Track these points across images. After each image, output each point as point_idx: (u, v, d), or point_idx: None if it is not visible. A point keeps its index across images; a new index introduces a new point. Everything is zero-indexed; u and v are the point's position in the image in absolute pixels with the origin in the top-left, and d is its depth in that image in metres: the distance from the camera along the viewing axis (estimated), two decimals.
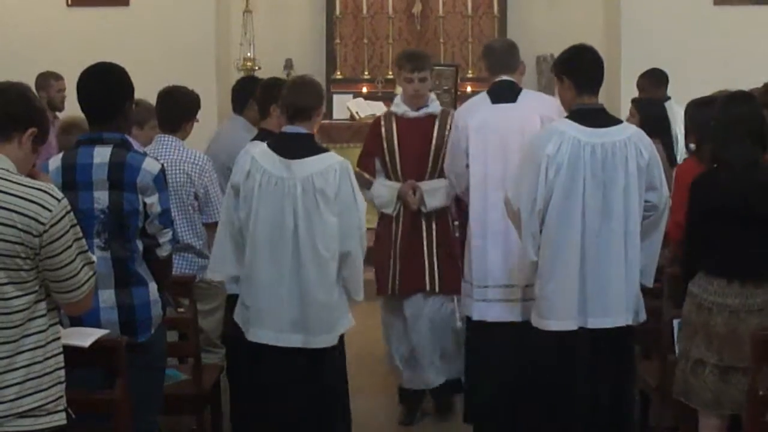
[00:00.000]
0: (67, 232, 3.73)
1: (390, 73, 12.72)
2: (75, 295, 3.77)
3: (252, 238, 5.62)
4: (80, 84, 5.06)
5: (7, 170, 3.74)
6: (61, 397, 3.81)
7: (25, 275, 3.68)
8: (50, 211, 3.68)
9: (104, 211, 4.90)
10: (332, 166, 5.66)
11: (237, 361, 6.08)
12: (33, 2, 12.33)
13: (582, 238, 5.61)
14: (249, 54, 12.47)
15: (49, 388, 3.76)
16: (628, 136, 5.69)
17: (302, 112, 5.72)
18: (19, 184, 3.72)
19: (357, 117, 12.26)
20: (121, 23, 12.21)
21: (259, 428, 5.80)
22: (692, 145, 6.63)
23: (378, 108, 12.28)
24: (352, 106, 12.40)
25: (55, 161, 5.09)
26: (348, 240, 5.66)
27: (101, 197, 4.92)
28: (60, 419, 3.81)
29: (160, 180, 5.02)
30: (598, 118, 5.72)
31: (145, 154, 5.13)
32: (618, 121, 5.86)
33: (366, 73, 12.91)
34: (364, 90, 12.75)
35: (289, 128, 5.75)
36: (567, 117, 5.75)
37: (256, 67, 12.21)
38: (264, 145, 5.80)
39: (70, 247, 3.74)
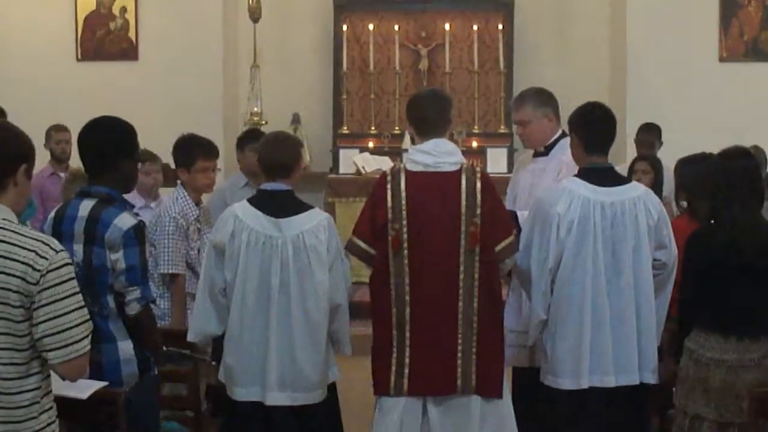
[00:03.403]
0: (64, 282, 3.72)
1: (397, 128, 12.79)
2: (69, 352, 3.71)
3: (239, 298, 5.60)
4: (78, 137, 5.14)
5: (8, 220, 3.76)
6: None
7: (23, 328, 3.69)
8: (46, 259, 3.68)
9: (79, 264, 4.89)
10: (321, 222, 5.66)
11: (227, 422, 6.03)
12: (43, 56, 12.45)
13: (593, 296, 5.61)
14: (256, 108, 12.54)
15: None
16: (637, 195, 5.73)
17: (281, 169, 5.71)
18: (19, 234, 3.73)
19: (363, 172, 12.29)
20: (130, 77, 12.33)
21: None
22: (683, 203, 6.66)
23: (384, 163, 12.33)
24: (358, 161, 12.44)
25: (52, 212, 5.19)
26: (337, 293, 5.65)
27: (78, 250, 4.94)
28: None
29: (130, 236, 4.96)
30: (607, 177, 5.74)
31: (124, 209, 5.09)
32: (627, 180, 5.91)
33: (373, 128, 12.95)
34: (371, 145, 12.77)
35: (269, 185, 5.74)
36: (576, 176, 5.77)
37: (263, 122, 12.27)
38: (244, 202, 5.78)
39: (66, 298, 3.71)
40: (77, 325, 3.74)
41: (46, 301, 3.68)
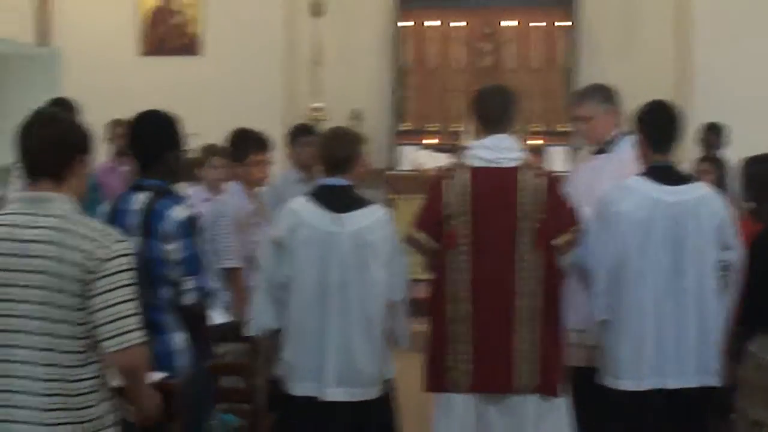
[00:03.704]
0: (122, 272, 3.74)
1: (457, 125, 12.73)
2: (123, 341, 3.71)
3: (297, 293, 5.60)
4: (127, 131, 5.17)
5: (70, 210, 3.79)
6: None
7: (81, 316, 3.70)
8: (106, 248, 3.71)
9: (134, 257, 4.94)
10: (380, 218, 5.66)
11: (283, 416, 6.03)
12: (106, 51, 12.53)
13: (655, 297, 5.55)
14: (317, 104, 12.55)
15: (103, 429, 3.78)
16: (702, 195, 5.66)
17: (341, 163, 5.70)
18: (80, 223, 3.76)
19: (423, 168, 12.27)
20: (192, 72, 12.39)
21: None
22: (749, 203, 6.55)
23: (444, 159, 12.28)
24: (418, 158, 12.42)
25: (105, 206, 5.23)
26: (395, 289, 5.64)
27: (133, 243, 4.97)
28: None
29: (185, 226, 5.02)
30: (672, 175, 5.67)
31: (179, 201, 5.15)
32: (691, 179, 5.83)
33: (433, 124, 12.93)
34: (431, 141, 12.76)
35: (329, 180, 5.73)
36: (640, 174, 5.70)
37: (324, 118, 12.28)
38: (303, 197, 5.77)
39: (123, 287, 3.73)
40: (133, 315, 3.75)
41: (103, 289, 3.69)
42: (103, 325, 3.69)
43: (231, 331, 6.04)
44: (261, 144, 7.05)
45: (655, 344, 5.57)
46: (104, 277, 3.69)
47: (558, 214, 5.67)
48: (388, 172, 12.42)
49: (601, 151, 6.43)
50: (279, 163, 8.35)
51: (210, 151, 7.86)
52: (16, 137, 3.88)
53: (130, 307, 3.74)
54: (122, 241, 3.80)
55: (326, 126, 9.82)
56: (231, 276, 6.67)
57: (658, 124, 5.71)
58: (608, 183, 6.02)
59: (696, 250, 5.58)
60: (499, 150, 5.71)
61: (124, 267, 3.75)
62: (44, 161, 3.81)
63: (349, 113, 12.68)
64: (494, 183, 5.68)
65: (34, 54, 13.43)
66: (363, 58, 13.19)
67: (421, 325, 5.88)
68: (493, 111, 5.80)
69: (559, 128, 12.76)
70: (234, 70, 12.34)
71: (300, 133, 8.20)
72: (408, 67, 12.90)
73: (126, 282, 3.74)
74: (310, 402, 5.60)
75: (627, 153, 6.00)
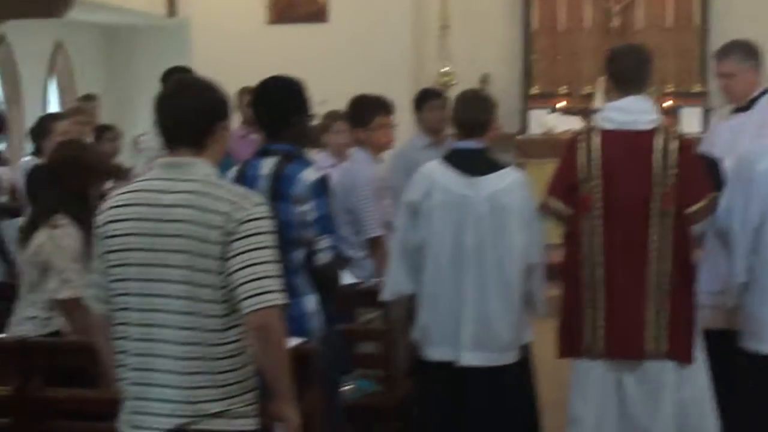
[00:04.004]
0: (260, 234, 3.70)
1: (587, 87, 12.61)
2: (261, 301, 3.65)
3: (433, 258, 5.58)
4: (251, 98, 5.17)
5: (210, 174, 3.79)
6: (254, 403, 3.82)
7: (223, 280, 3.69)
8: (245, 210, 3.69)
9: None
10: (516, 181, 5.62)
11: (420, 381, 6.01)
12: (233, 20, 12.62)
13: None
14: (446, 69, 12.49)
15: (243, 394, 3.77)
16: None
17: (475, 127, 5.66)
18: (221, 187, 3.76)
19: (553, 132, 12.17)
20: (319, 39, 12.41)
21: None
22: None
23: (575, 123, 12.17)
24: (548, 121, 12.31)
25: (232, 171, 5.21)
26: (532, 253, 5.60)
27: None
28: (252, 424, 3.81)
29: (317, 187, 5.03)
30: None
31: (308, 165, 5.16)
32: None
33: (563, 87, 12.80)
34: (561, 105, 12.65)
35: (463, 144, 5.70)
36: None
37: (453, 82, 12.22)
38: (438, 161, 5.75)
39: (262, 249, 3.68)
40: (271, 277, 3.70)
41: (241, 250, 3.66)
42: (241, 285, 3.66)
43: (369, 297, 6.03)
44: (384, 107, 7.05)
45: None
46: (242, 238, 3.66)
47: (691, 180, 5.51)
48: (517, 137, 12.34)
49: (741, 109, 6.27)
50: (408, 129, 8.32)
51: (333, 116, 7.86)
52: (155, 106, 3.88)
53: (269, 269, 3.69)
54: (261, 204, 3.77)
55: (455, 91, 9.74)
56: (374, 244, 6.67)
57: None
58: (750, 141, 5.87)
59: None
60: (633, 112, 5.56)
61: (263, 229, 3.72)
62: (185, 130, 3.80)
63: (478, 78, 12.59)
64: (628, 146, 5.53)
65: (164, 25, 13.61)
66: (491, 22, 13.08)
67: (555, 291, 5.81)
68: (628, 71, 5.66)
69: (695, 89, 12.52)
70: (361, 36, 12.33)
71: (428, 97, 8.15)
72: (537, 29, 12.76)
73: (265, 244, 3.71)
74: (446, 367, 5.58)
75: None
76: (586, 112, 12.19)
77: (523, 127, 12.65)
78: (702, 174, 5.59)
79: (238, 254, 3.66)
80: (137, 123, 13.72)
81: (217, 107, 3.88)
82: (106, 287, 3.83)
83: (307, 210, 4.99)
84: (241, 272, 3.66)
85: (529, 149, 12.01)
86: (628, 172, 5.51)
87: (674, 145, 5.50)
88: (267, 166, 5.09)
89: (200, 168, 3.78)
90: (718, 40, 12.11)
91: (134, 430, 3.77)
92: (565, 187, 5.60)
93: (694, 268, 5.60)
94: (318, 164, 6.79)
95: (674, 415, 5.54)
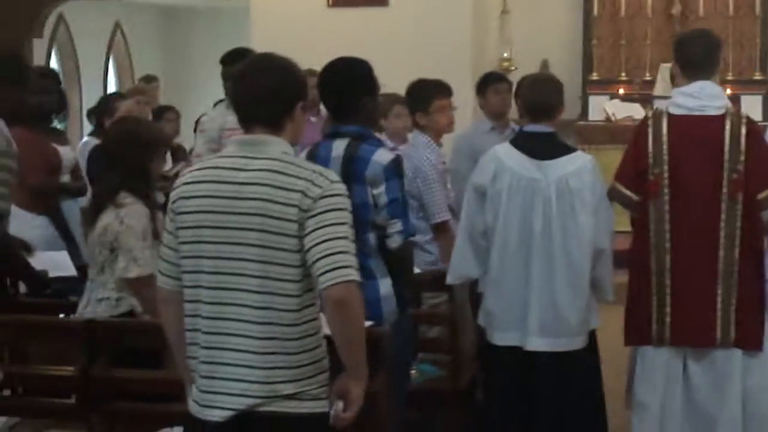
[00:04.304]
0: (336, 210, 3.66)
1: (648, 74, 12.54)
2: (338, 275, 3.60)
3: (500, 241, 5.55)
4: (319, 80, 5.15)
5: (286, 153, 3.77)
6: (325, 385, 3.79)
7: (298, 258, 3.66)
8: (320, 187, 3.66)
9: None
10: (585, 165, 5.58)
11: (486, 366, 5.99)
12: (293, 2, 12.61)
13: None
14: (506, 54, 12.44)
15: (316, 375, 3.75)
16: None
17: (545, 110, 5.64)
18: (297, 166, 3.73)
19: (613, 119, 12.10)
20: (380, 23, 12.35)
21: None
22: None
23: (635, 110, 12.10)
24: (608, 108, 12.25)
25: (302, 153, 5.17)
26: (601, 238, 5.55)
27: None
28: (323, 406, 3.78)
29: (390, 169, 5.00)
30: None
31: (380, 145, 5.14)
32: None
33: (623, 74, 12.72)
34: (621, 91, 12.57)
35: (532, 127, 5.68)
36: None
37: (513, 67, 12.17)
38: (506, 144, 5.72)
39: (337, 225, 3.65)
40: (347, 252, 3.66)
41: (317, 225, 3.63)
42: (317, 260, 3.62)
43: (436, 281, 6.01)
44: (443, 89, 7.04)
45: None
46: (318, 214, 3.64)
47: (760, 165, 5.47)
48: (578, 123, 12.27)
49: None
50: (466, 115, 8.29)
51: (392, 99, 7.84)
52: (233, 84, 3.87)
53: (345, 245, 3.66)
54: (337, 181, 3.75)
55: (515, 77, 9.70)
56: (440, 229, 6.65)
57: None
58: None
59: None
60: (704, 98, 5.52)
61: (339, 206, 3.69)
62: (263, 109, 3.79)
63: (539, 63, 12.53)
64: (698, 132, 5.50)
65: (222, 7, 13.63)
66: (552, 7, 13.02)
67: (622, 277, 5.78)
68: (697, 56, 5.61)
69: (755, 77, 12.43)
70: (422, 21, 12.27)
71: (492, 80, 8.11)
72: (597, 15, 12.67)
73: (341, 220, 3.68)
74: (513, 352, 5.56)
75: None
76: (646, 99, 12.13)
77: (583, 113, 12.58)
78: None
79: (315, 230, 3.63)
80: (193, 105, 13.75)
81: (296, 87, 3.86)
82: (176, 263, 3.82)
83: (380, 193, 4.97)
84: (318, 247, 3.63)
85: (588, 135, 11.94)
86: (697, 157, 5.48)
87: (743, 131, 5.44)
88: (339, 147, 5.07)
89: (277, 146, 3.76)
90: None
91: (205, 409, 3.74)
92: (634, 173, 5.57)
93: (763, 256, 5.54)
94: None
95: (741, 402, 5.50)
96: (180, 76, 15.60)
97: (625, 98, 12.44)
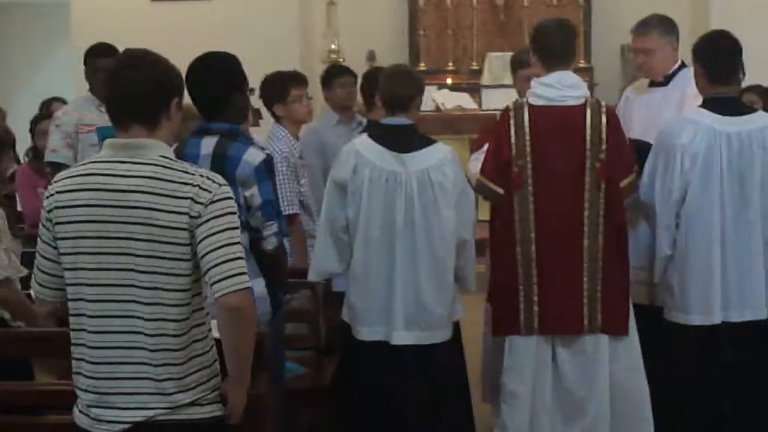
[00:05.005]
0: (226, 215, 3.57)
1: (474, 64, 12.64)
2: (233, 284, 3.53)
3: (362, 236, 5.50)
4: (187, 75, 5.00)
5: (167, 157, 3.63)
6: (218, 388, 3.72)
7: (187, 267, 3.57)
8: (209, 192, 3.56)
9: None
10: (445, 156, 5.56)
11: (349, 360, 5.94)
12: None
13: (720, 230, 5.47)
14: (333, 46, 12.40)
15: (210, 380, 3.69)
16: (765, 125, 5.56)
17: (403, 102, 5.60)
18: (180, 171, 3.60)
19: (443, 108, 12.17)
20: (204, 17, 12.17)
21: (375, 427, 5.66)
22: None
23: (464, 99, 12.18)
24: (437, 98, 12.31)
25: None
26: (463, 229, 5.55)
27: None
28: (219, 410, 3.72)
29: (261, 170, 4.91)
30: (732, 106, 5.57)
31: (250, 144, 5.03)
32: (753, 110, 5.74)
33: (450, 64, 12.80)
34: (449, 81, 12.65)
35: (390, 119, 5.62)
36: (700, 106, 5.60)
37: (340, 59, 12.13)
38: (365, 137, 5.66)
39: (228, 230, 3.56)
40: (241, 258, 3.59)
41: (210, 232, 3.54)
42: (212, 267, 3.53)
43: (294, 277, 5.92)
44: (299, 78, 6.97)
45: (722, 277, 5.50)
46: (210, 219, 3.54)
47: (620, 153, 5.54)
48: None
49: (658, 84, 6.29)
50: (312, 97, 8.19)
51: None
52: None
53: (238, 250, 3.58)
54: (225, 184, 3.65)
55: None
56: (291, 222, 6.54)
57: (714, 56, 5.59)
58: (668, 116, 5.91)
59: (761, 181, 5.50)
60: (563, 88, 5.55)
61: (229, 210, 3.60)
62: (141, 105, 3.62)
63: (364, 55, 12.53)
64: (559, 122, 5.52)
65: (42, 3, 13.24)
66: None
67: (482, 266, 5.79)
68: (556, 46, 5.63)
69: (580, 65, 12.54)
70: (247, 13, 12.14)
71: (337, 73, 8.02)
72: (422, 6, 12.73)
73: (232, 225, 3.59)
74: (378, 346, 5.52)
75: (691, 86, 5.86)
76: (473, 89, 12.25)
77: None
78: (628, 147, 5.65)
79: (208, 237, 3.54)
80: (14, 103, 13.35)
81: (172, 83, 3.71)
82: (58, 275, 3.68)
83: (253, 194, 4.88)
84: (212, 254, 3.53)
85: (421, 125, 11.90)
86: (560, 147, 5.50)
87: (604, 119, 5.50)
88: (208, 145, 4.94)
89: (155, 149, 3.63)
90: (600, 15, 12.34)
91: (99, 423, 3.63)
92: (498, 165, 5.56)
93: (626, 242, 5.61)
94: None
95: (608, 385, 5.57)
96: None
97: (453, 88, 12.52)
